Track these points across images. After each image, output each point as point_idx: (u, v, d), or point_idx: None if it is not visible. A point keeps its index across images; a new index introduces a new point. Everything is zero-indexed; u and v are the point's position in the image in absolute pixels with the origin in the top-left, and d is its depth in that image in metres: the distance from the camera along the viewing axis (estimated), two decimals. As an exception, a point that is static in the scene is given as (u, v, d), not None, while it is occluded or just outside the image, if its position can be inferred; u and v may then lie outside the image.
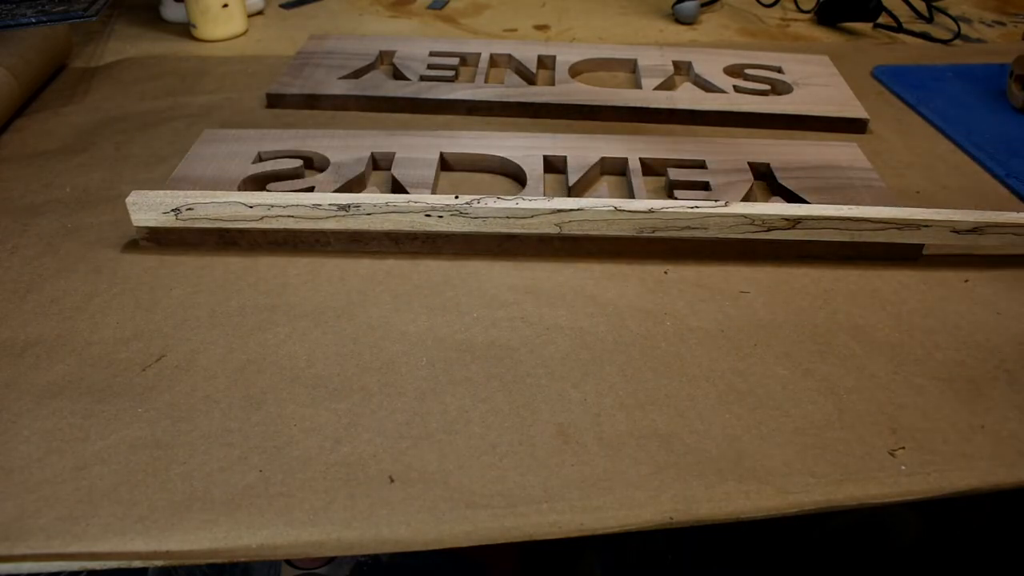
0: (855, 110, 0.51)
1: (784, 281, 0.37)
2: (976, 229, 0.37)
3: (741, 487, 0.27)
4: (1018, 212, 0.38)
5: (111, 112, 0.51)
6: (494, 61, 0.57)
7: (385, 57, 0.57)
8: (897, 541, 0.48)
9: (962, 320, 0.35)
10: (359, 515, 0.26)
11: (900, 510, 0.27)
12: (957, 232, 0.37)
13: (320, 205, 0.36)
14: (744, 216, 0.37)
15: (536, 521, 0.26)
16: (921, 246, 0.38)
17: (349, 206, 0.36)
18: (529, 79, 0.55)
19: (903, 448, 0.29)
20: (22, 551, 0.25)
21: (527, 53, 0.57)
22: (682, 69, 0.57)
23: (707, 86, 0.54)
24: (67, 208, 0.41)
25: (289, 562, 0.63)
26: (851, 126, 0.50)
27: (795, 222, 0.37)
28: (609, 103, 0.50)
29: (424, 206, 0.36)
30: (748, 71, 0.56)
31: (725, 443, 0.29)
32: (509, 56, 0.57)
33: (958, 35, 0.66)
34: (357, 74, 0.54)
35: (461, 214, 0.37)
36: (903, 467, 0.28)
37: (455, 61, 0.56)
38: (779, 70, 0.56)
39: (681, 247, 0.38)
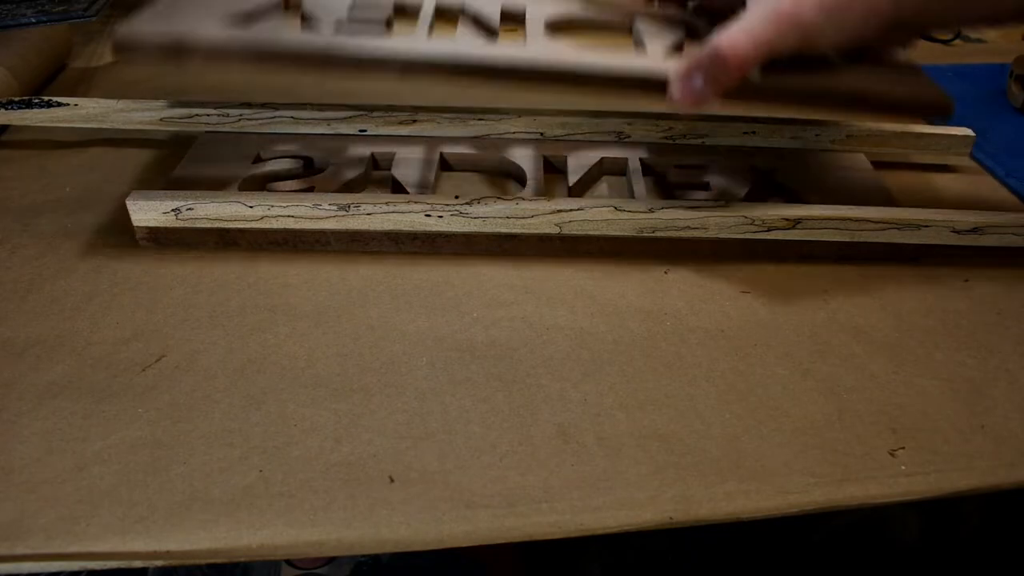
0: (934, 92, 0.40)
1: (784, 281, 0.37)
2: (976, 229, 0.37)
3: (741, 487, 0.27)
4: (1018, 212, 0.38)
5: (111, 112, 0.50)
6: (442, 13, 0.41)
7: None
8: (897, 541, 0.48)
9: (962, 320, 0.35)
10: (359, 515, 0.26)
11: (900, 510, 0.27)
12: (957, 232, 0.37)
13: (320, 205, 0.36)
14: (744, 216, 0.37)
15: (536, 521, 0.26)
16: (921, 246, 0.38)
17: (349, 206, 0.36)
18: (491, 32, 0.39)
19: (903, 448, 0.29)
20: (22, 551, 0.25)
21: (488, 6, 0.41)
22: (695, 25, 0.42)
23: None
24: (67, 208, 0.41)
25: (289, 562, 0.63)
26: (929, 109, 0.40)
27: (795, 222, 0.37)
28: (604, 70, 0.35)
29: (424, 206, 0.36)
30: None
31: (725, 443, 0.29)
32: (462, 6, 0.41)
33: (958, 35, 0.66)
34: (248, 19, 0.37)
35: (461, 214, 0.37)
36: (903, 467, 0.28)
37: (388, 5, 0.40)
38: None
39: (681, 247, 0.38)
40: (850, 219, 0.37)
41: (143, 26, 0.35)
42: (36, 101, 0.46)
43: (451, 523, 0.26)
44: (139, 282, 0.36)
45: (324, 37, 0.36)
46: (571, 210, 0.36)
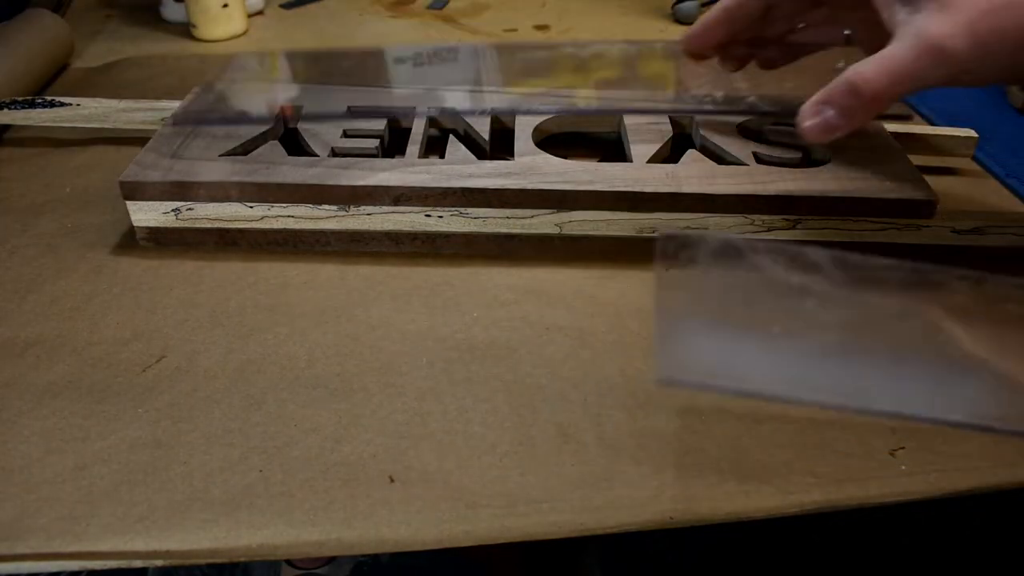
0: (919, 188, 0.37)
1: (784, 281, 0.37)
2: (976, 229, 0.37)
3: (741, 487, 0.27)
4: (1018, 212, 0.38)
5: (111, 112, 0.50)
6: (434, 121, 0.43)
7: (291, 117, 0.43)
8: (897, 541, 0.48)
9: (962, 320, 0.35)
10: (359, 515, 0.26)
11: (900, 510, 0.27)
12: (957, 232, 0.37)
13: (320, 205, 0.36)
14: (744, 216, 0.37)
15: (536, 521, 0.26)
16: (921, 246, 0.38)
17: (349, 206, 0.36)
18: (480, 149, 0.41)
19: (903, 448, 0.29)
20: (22, 551, 0.25)
21: (477, 108, 0.43)
22: (683, 126, 0.43)
23: (719, 155, 0.40)
24: (67, 208, 0.41)
25: (289, 562, 0.63)
26: (912, 210, 0.36)
27: (795, 222, 0.37)
28: (589, 187, 0.36)
29: (424, 206, 0.36)
30: (769, 128, 0.42)
31: (725, 443, 0.29)
32: (454, 115, 0.43)
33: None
34: (247, 147, 0.39)
35: (461, 214, 0.37)
36: (903, 467, 0.28)
37: (380, 125, 0.41)
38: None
39: (681, 247, 0.38)
40: (850, 218, 0.37)
41: (147, 165, 0.37)
42: (39, 101, 0.46)
43: (451, 523, 0.26)
44: (139, 282, 0.36)
45: (317, 166, 0.37)
46: (571, 210, 0.36)
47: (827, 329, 0.26)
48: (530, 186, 0.36)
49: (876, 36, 0.33)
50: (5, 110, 0.45)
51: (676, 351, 0.25)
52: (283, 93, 0.44)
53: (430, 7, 0.72)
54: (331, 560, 0.64)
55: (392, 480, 0.27)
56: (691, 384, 0.25)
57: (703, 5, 0.70)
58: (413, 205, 0.36)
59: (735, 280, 0.29)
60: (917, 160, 0.40)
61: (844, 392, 0.24)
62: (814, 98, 0.33)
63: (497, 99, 0.44)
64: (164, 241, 0.38)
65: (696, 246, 0.29)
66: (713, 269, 0.29)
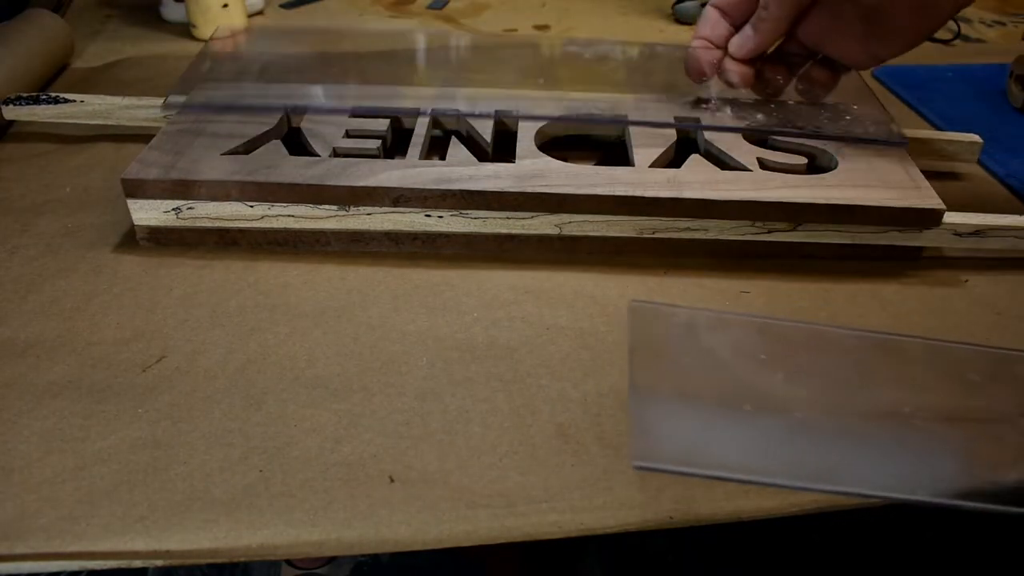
0: (925, 196, 0.37)
1: (784, 281, 0.37)
2: (977, 232, 0.37)
3: (741, 487, 0.27)
4: (1019, 214, 0.38)
5: (111, 112, 0.50)
6: (437, 122, 0.43)
7: (295, 116, 0.42)
8: (897, 541, 0.48)
9: (962, 320, 0.35)
10: (359, 515, 0.26)
11: (899, 510, 0.27)
12: (959, 235, 0.37)
13: (320, 205, 0.36)
14: (745, 220, 0.37)
15: (536, 521, 0.26)
16: (921, 247, 0.38)
17: (349, 206, 0.36)
18: (482, 151, 0.41)
19: (903, 448, 0.29)
20: (22, 551, 0.25)
21: (480, 110, 0.43)
22: (687, 131, 0.42)
23: (723, 160, 0.40)
24: (67, 208, 0.41)
25: (289, 562, 0.63)
26: (919, 219, 0.37)
27: (796, 224, 0.37)
28: (589, 191, 0.36)
29: (424, 207, 0.36)
30: (775, 136, 0.41)
31: (725, 443, 0.29)
32: (457, 116, 0.43)
33: (958, 35, 0.66)
34: (248, 146, 0.39)
35: (461, 214, 0.37)
36: (903, 467, 0.28)
37: (383, 125, 0.41)
38: (814, 131, 0.41)
39: (681, 247, 0.38)
40: (850, 221, 0.37)
41: (148, 162, 0.37)
42: (43, 97, 0.46)
43: (451, 523, 0.26)
44: (139, 282, 0.36)
45: (319, 166, 0.37)
46: (571, 211, 0.36)
47: (796, 406, 0.27)
48: (530, 189, 0.36)
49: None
50: (10, 106, 0.46)
51: (650, 437, 0.26)
52: (288, 91, 0.44)
53: (430, 7, 0.72)
54: (331, 560, 0.64)
55: (392, 480, 0.27)
56: (665, 470, 0.25)
57: (703, 5, 0.70)
58: (412, 206, 0.36)
59: (706, 355, 0.29)
60: (922, 164, 0.40)
61: (812, 475, 0.25)
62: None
63: (501, 102, 0.44)
64: (164, 241, 0.38)
65: (667, 318, 0.29)
66: (684, 344, 0.29)
